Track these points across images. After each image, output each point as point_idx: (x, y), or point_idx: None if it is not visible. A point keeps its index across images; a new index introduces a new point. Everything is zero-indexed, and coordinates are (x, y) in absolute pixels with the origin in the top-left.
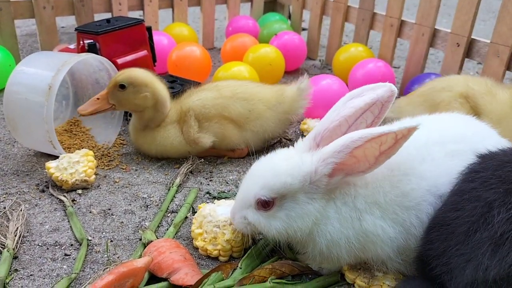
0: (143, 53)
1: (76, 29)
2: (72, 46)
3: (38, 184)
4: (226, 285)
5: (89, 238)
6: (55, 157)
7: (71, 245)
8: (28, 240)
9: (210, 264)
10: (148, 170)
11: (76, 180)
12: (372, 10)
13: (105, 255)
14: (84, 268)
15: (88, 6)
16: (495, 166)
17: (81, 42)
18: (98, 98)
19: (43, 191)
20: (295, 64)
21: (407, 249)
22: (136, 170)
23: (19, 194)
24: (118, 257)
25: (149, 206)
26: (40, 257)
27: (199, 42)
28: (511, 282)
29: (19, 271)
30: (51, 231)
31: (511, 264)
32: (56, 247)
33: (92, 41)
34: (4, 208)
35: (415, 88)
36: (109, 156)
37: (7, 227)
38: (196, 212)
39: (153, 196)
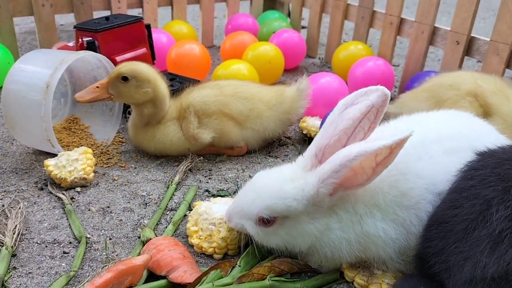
0: (142, 51)
1: (75, 27)
2: (71, 44)
3: (37, 182)
4: (225, 283)
5: (88, 236)
6: (54, 155)
7: (70, 243)
8: (26, 238)
9: (209, 262)
10: (147, 168)
11: (75, 178)
12: (371, 8)
13: (104, 253)
14: (83, 266)
15: (87, 4)
16: (494, 164)
17: (80, 40)
18: (97, 87)
19: (41, 189)
20: (295, 62)
21: (408, 249)
22: (135, 168)
23: (18, 192)
24: (116, 255)
25: (148, 204)
26: (38, 255)
27: (198, 40)
28: (509, 280)
29: (18, 269)
30: (49, 229)
31: (510, 261)
32: (55, 245)
33: (91, 38)
34: (3, 206)
35: (415, 86)
36: (108, 154)
37: (6, 225)
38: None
39: (152, 194)
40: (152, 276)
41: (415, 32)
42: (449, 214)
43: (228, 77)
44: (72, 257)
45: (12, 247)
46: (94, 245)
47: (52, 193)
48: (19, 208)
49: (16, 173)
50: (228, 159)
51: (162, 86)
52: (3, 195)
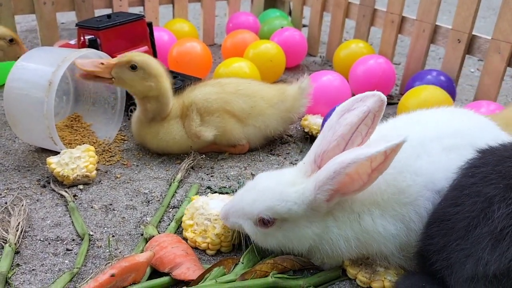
0: (143, 48)
1: (77, 25)
2: (72, 42)
3: (40, 179)
4: (228, 280)
5: (91, 233)
6: (56, 153)
7: (73, 240)
8: (29, 235)
9: (212, 259)
10: (149, 165)
11: (77, 175)
12: (372, 6)
13: (107, 250)
14: (86, 263)
15: (88, 2)
16: (496, 161)
17: (82, 38)
18: (102, 63)
19: (44, 186)
20: (296, 61)
21: (409, 245)
22: (137, 165)
23: (21, 190)
24: (119, 252)
25: (150, 202)
26: (42, 252)
27: (199, 38)
28: (511, 277)
29: (21, 265)
30: (52, 226)
31: (511, 259)
32: (58, 242)
33: (93, 36)
34: (6, 203)
35: (416, 85)
36: (110, 151)
37: (9, 222)
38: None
39: (154, 192)
40: (155, 273)
41: (416, 30)
42: (450, 212)
43: (229, 75)
44: (75, 254)
45: (15, 244)
46: (97, 242)
47: (55, 191)
48: (22, 205)
49: (19, 171)
50: (230, 157)
51: (166, 84)
52: (6, 192)
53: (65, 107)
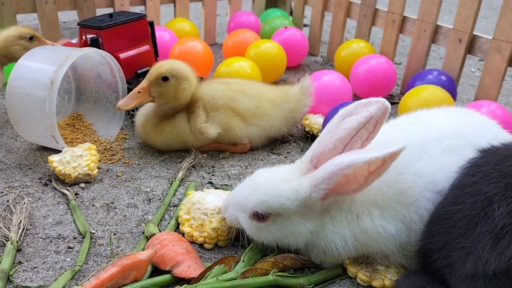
0: (145, 48)
1: (78, 24)
2: (74, 41)
3: (41, 177)
4: (229, 278)
5: (92, 231)
6: (58, 151)
7: (74, 238)
8: (31, 233)
9: (213, 257)
10: (151, 164)
11: (79, 173)
12: (374, 6)
13: (108, 248)
14: (88, 260)
15: (90, 1)
16: (497, 160)
17: (84, 37)
18: (139, 92)
19: (46, 184)
20: (297, 60)
21: (409, 244)
22: (139, 164)
23: (22, 188)
24: (121, 250)
25: (151, 200)
26: (43, 250)
27: (200, 37)
28: (511, 275)
29: (23, 263)
30: (54, 224)
31: (511, 257)
32: (60, 240)
33: (94, 35)
34: (7, 201)
35: (417, 84)
36: (111, 150)
37: (11, 220)
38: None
39: (155, 190)
40: (156, 271)
41: (417, 30)
42: (451, 210)
43: (230, 75)
44: (77, 252)
45: (17, 242)
46: (98, 240)
47: (56, 189)
48: (24, 203)
49: (20, 169)
50: (231, 156)
51: (195, 81)
52: (7, 190)
53: (66, 106)
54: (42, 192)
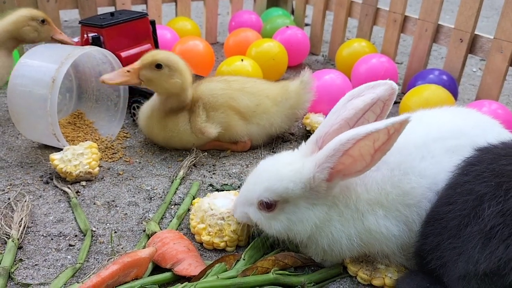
0: (146, 46)
1: (80, 22)
2: (76, 40)
3: (42, 175)
4: (229, 276)
5: (93, 229)
6: (59, 149)
7: (75, 236)
8: (32, 231)
9: (213, 255)
10: (152, 163)
11: (80, 172)
12: (375, 6)
13: (109, 246)
14: (88, 258)
15: (91, 0)
16: (491, 159)
17: (85, 35)
18: (128, 71)
19: (47, 182)
20: (298, 59)
21: (410, 245)
22: (140, 162)
23: (24, 186)
24: (122, 248)
25: (152, 198)
26: (44, 248)
27: (202, 36)
28: (502, 275)
29: (24, 261)
30: (55, 222)
31: (501, 257)
32: (61, 238)
33: (96, 34)
34: (9, 199)
35: (418, 84)
36: (112, 148)
37: (12, 217)
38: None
39: (156, 189)
40: (157, 269)
41: (418, 29)
42: (443, 211)
43: (231, 74)
44: (78, 250)
45: (18, 239)
46: (99, 238)
47: (58, 187)
48: (25, 201)
49: (22, 167)
50: (232, 154)
51: (189, 78)
52: (9, 188)
53: (68, 104)
54: (43, 190)
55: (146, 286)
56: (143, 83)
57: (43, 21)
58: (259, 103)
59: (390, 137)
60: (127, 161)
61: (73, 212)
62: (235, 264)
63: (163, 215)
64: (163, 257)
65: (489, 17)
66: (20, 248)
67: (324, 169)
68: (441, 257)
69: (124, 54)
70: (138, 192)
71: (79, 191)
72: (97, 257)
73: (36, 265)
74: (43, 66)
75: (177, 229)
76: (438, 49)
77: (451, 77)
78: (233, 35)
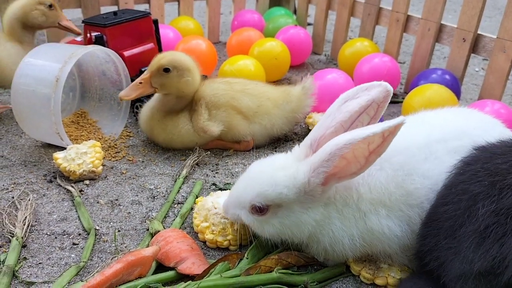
0: (149, 46)
1: (83, 21)
2: (79, 39)
3: (46, 174)
4: (233, 275)
5: (97, 227)
6: (62, 148)
7: (79, 234)
8: (36, 229)
9: (216, 254)
10: (155, 162)
11: (83, 170)
12: (378, 5)
13: (113, 245)
14: (92, 257)
15: None
16: (486, 158)
17: (88, 35)
18: (140, 82)
19: (50, 181)
20: (301, 59)
21: (412, 246)
22: (143, 162)
23: (27, 184)
24: (125, 247)
25: (155, 197)
26: (48, 246)
27: (204, 36)
28: (497, 274)
29: (28, 259)
30: (59, 220)
31: (495, 256)
32: (64, 236)
33: (99, 33)
34: (13, 197)
35: (421, 83)
36: (115, 147)
37: (16, 216)
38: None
39: (159, 188)
40: (160, 268)
41: (421, 29)
42: (440, 211)
43: (234, 73)
44: (82, 249)
45: (22, 238)
46: (103, 237)
47: (61, 186)
48: (29, 200)
49: (25, 166)
50: (235, 154)
51: (198, 73)
52: (12, 187)
53: (71, 103)
54: (47, 188)
55: (150, 285)
56: (158, 89)
57: (50, 6)
58: (260, 105)
59: (384, 140)
60: (130, 160)
61: (76, 211)
62: (238, 263)
63: (166, 214)
64: (166, 255)
65: (492, 16)
66: (24, 246)
67: (319, 174)
68: (439, 258)
69: (127, 53)
70: (142, 191)
71: (83, 190)
72: (101, 256)
73: (40, 263)
74: (47, 65)
75: (180, 228)
76: (440, 48)
77: (454, 76)
78: (235, 35)
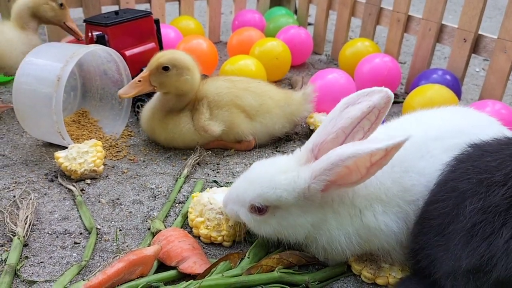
0: (151, 45)
1: (84, 21)
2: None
3: (47, 173)
4: (234, 274)
5: (98, 227)
6: (64, 147)
7: (81, 233)
8: (38, 228)
9: (218, 253)
10: (156, 161)
11: (85, 170)
12: (379, 5)
13: (114, 244)
14: (94, 256)
15: None
16: (477, 156)
17: (90, 34)
18: (139, 80)
19: (52, 180)
20: (301, 59)
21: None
22: (144, 161)
23: (28, 183)
24: (127, 246)
25: (157, 197)
26: (50, 245)
27: (205, 35)
28: (485, 272)
29: (30, 258)
30: (60, 219)
31: (483, 254)
32: (66, 235)
33: (100, 32)
34: (14, 196)
35: (422, 84)
36: (117, 147)
37: (17, 215)
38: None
39: (161, 187)
40: (162, 267)
41: (422, 29)
42: (431, 209)
43: (235, 73)
44: (83, 248)
45: (24, 237)
46: (104, 236)
47: (62, 185)
48: (30, 199)
49: (27, 165)
50: (236, 153)
51: (197, 72)
52: (14, 186)
53: (72, 103)
54: (48, 188)
55: (151, 284)
56: (157, 88)
57: (61, 5)
58: (262, 103)
59: (387, 154)
60: (131, 160)
61: (78, 210)
62: (239, 262)
63: (168, 213)
64: (168, 255)
65: (492, 17)
66: (25, 245)
67: (320, 181)
68: (429, 255)
69: (128, 52)
70: (143, 190)
71: (84, 189)
72: (102, 255)
73: (41, 262)
74: (48, 65)
75: (181, 227)
76: (441, 49)
77: (455, 77)
78: (236, 34)
